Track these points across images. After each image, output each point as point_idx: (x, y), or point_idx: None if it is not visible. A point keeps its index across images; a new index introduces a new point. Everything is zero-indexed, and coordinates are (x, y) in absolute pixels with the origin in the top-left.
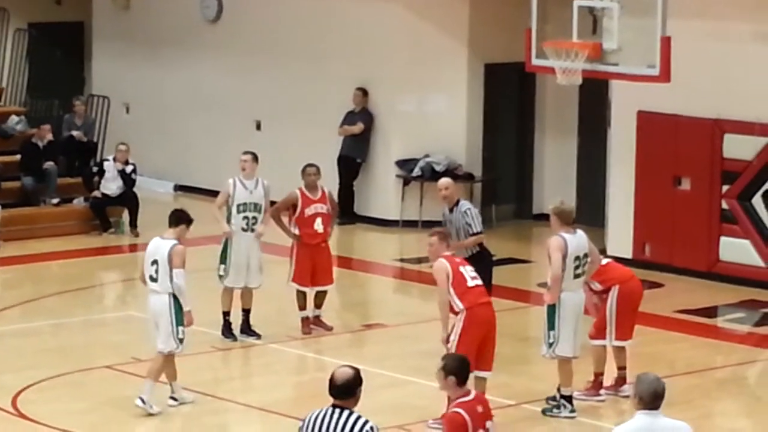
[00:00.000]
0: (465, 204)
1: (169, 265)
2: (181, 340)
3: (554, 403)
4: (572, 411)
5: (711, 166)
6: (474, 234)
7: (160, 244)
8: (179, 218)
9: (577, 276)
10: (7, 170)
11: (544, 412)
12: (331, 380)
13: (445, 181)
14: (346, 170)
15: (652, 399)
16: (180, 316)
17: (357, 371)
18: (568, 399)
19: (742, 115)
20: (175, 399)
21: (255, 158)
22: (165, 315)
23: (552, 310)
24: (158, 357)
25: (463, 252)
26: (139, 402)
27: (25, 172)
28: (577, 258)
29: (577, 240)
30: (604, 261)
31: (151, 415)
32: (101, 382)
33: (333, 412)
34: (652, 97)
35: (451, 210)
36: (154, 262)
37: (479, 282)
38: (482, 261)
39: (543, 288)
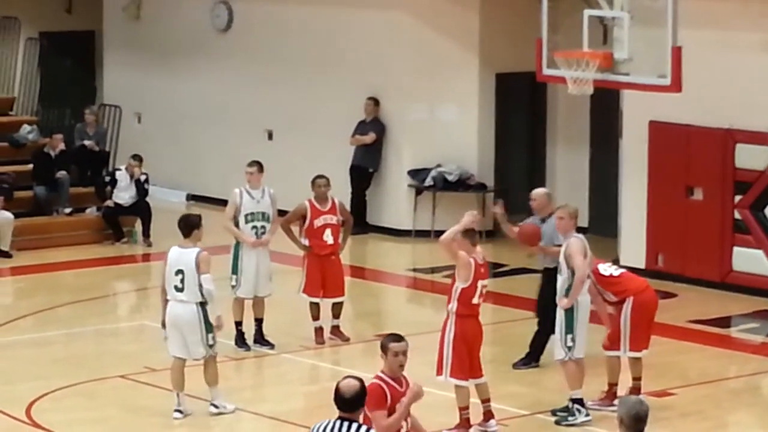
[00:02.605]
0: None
1: (197, 274)
2: (211, 346)
3: (563, 414)
4: (587, 414)
5: (723, 176)
6: (557, 245)
7: (182, 254)
8: (190, 225)
9: (588, 276)
10: (20, 180)
11: (558, 423)
12: (338, 393)
13: (535, 191)
14: (358, 180)
15: (634, 422)
16: (208, 322)
17: (362, 383)
18: (581, 402)
19: (754, 125)
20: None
21: (260, 168)
22: (194, 324)
23: (570, 314)
24: (206, 363)
25: (546, 261)
26: (212, 409)
27: (38, 182)
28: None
29: (585, 243)
30: (618, 272)
31: (212, 414)
32: (114, 392)
33: (341, 426)
34: (664, 107)
35: (543, 220)
36: (179, 272)
37: (480, 302)
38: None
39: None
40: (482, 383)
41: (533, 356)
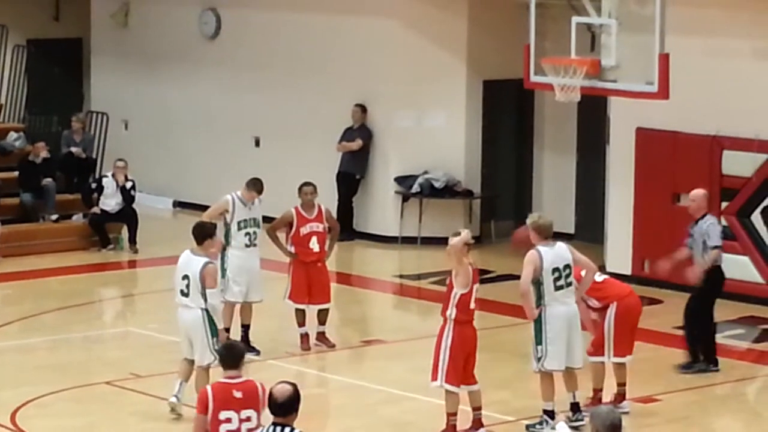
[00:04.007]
0: (710, 218)
1: (201, 284)
2: (216, 351)
3: (537, 422)
4: (553, 428)
5: (710, 183)
6: (713, 247)
7: (191, 260)
8: (204, 233)
9: (558, 288)
10: (6, 187)
11: (527, 428)
12: (271, 398)
13: (694, 192)
14: (345, 186)
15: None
16: (214, 328)
17: (295, 387)
18: (551, 414)
19: (741, 132)
20: None
21: (260, 191)
22: (199, 329)
23: (537, 323)
24: (199, 371)
25: (701, 264)
26: None
27: (24, 189)
28: (556, 270)
29: (555, 252)
30: (602, 278)
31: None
32: (100, 398)
33: (275, 431)
34: (651, 113)
35: (696, 222)
36: (185, 277)
37: (475, 307)
38: (716, 280)
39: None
40: (475, 390)
41: (694, 360)
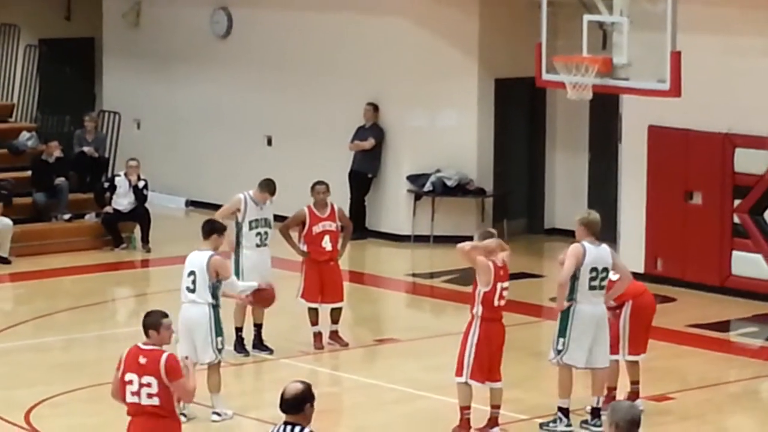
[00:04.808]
0: None
1: (207, 276)
2: (219, 350)
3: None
4: (568, 425)
5: (722, 181)
6: None
7: (196, 256)
8: (211, 229)
9: (592, 288)
10: (19, 186)
11: (540, 426)
12: (281, 396)
13: None
14: (357, 185)
15: (630, 426)
16: (219, 326)
17: (307, 386)
18: (565, 412)
19: (753, 130)
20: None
21: (272, 192)
22: (204, 325)
23: (564, 317)
24: (210, 369)
25: None
26: (215, 417)
27: (37, 188)
28: (594, 269)
29: (598, 252)
30: (616, 276)
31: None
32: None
33: (285, 430)
34: (663, 111)
35: None
36: (191, 273)
37: (502, 304)
38: None
39: (554, 303)
40: (498, 388)
41: None
